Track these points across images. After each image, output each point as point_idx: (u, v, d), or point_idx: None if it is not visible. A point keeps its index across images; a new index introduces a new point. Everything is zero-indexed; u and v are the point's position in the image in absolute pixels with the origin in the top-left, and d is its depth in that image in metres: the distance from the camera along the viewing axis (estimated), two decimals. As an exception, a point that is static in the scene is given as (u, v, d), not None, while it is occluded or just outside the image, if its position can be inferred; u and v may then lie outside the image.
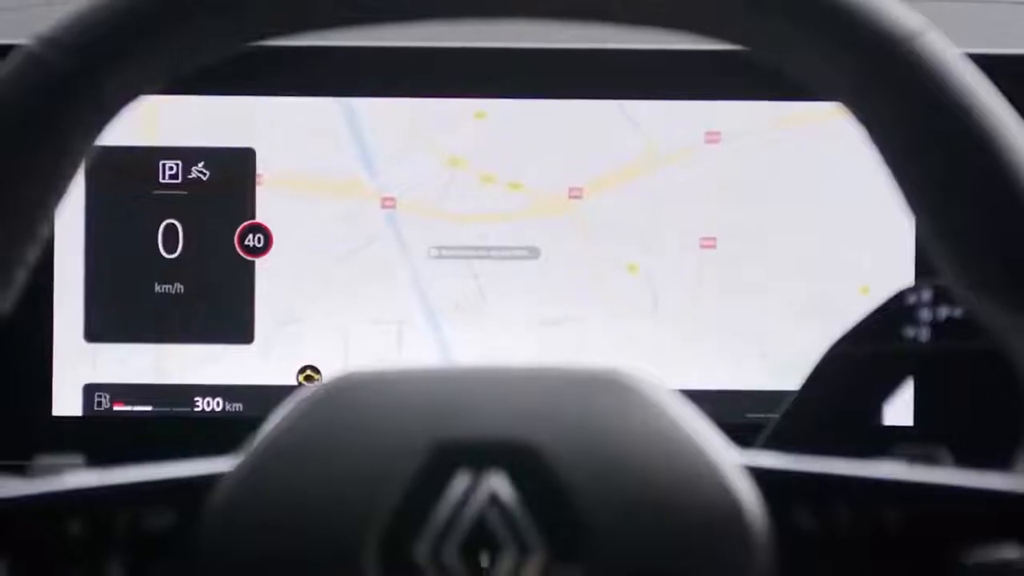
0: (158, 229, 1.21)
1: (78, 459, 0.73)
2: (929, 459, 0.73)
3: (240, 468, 0.66)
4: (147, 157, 1.21)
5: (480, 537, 0.64)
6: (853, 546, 0.67)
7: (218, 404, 1.22)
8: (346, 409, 0.66)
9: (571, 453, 0.65)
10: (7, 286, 0.70)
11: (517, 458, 0.65)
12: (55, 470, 0.72)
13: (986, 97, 0.69)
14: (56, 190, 0.70)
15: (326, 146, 1.21)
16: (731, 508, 0.65)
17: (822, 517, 0.67)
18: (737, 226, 1.22)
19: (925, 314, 1.06)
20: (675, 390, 0.67)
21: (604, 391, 0.67)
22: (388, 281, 1.22)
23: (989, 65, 0.72)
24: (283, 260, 1.22)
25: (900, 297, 1.00)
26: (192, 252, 1.21)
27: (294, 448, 0.65)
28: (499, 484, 0.64)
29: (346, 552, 0.63)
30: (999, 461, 0.69)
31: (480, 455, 0.65)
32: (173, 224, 1.21)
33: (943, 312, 1.00)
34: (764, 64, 0.71)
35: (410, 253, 1.21)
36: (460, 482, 0.64)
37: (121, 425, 1.22)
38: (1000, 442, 0.70)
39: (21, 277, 0.70)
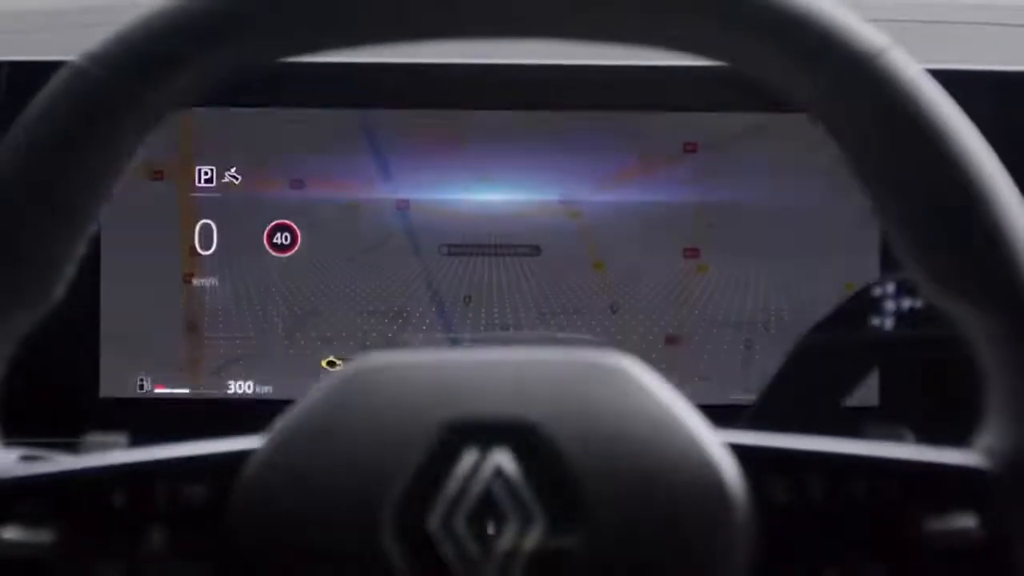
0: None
1: (122, 437, 0.73)
2: (893, 437, 0.73)
3: (267, 446, 0.66)
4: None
5: (487, 508, 0.64)
6: (824, 515, 0.67)
7: (249, 387, 1.22)
8: (363, 392, 0.66)
9: (569, 431, 0.65)
10: (58, 279, 0.70)
11: (520, 436, 0.65)
12: (102, 447, 0.72)
13: (945, 108, 0.69)
14: (100, 192, 0.70)
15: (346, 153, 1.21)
16: (714, 481, 0.65)
17: (796, 489, 0.67)
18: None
19: (890, 305, 1.06)
20: (661, 376, 0.67)
21: (599, 375, 0.66)
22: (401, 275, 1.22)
23: (947, 79, 0.72)
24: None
25: (867, 290, 1.00)
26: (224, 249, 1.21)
27: (316, 428, 0.65)
28: (504, 460, 0.64)
29: (364, 522, 0.63)
30: (957, 439, 0.69)
31: (486, 434, 0.65)
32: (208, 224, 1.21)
33: (906, 303, 1.00)
34: (743, 77, 0.71)
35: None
36: (468, 458, 0.64)
37: (162, 406, 1.22)
38: (958, 422, 0.70)
39: (70, 271, 0.70)
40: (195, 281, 1.21)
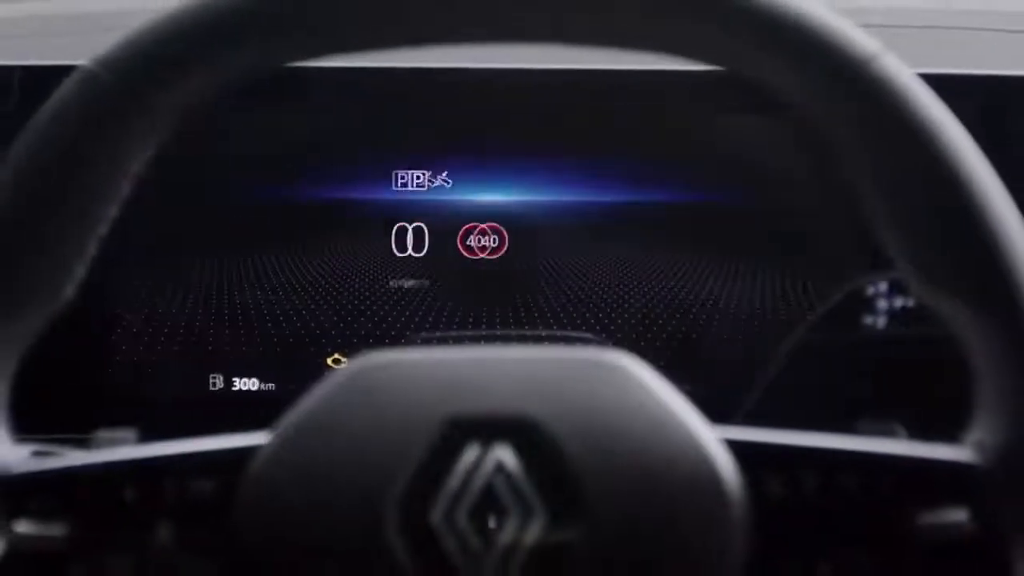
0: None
1: (131, 433, 0.73)
2: (886, 433, 0.73)
3: (273, 442, 0.66)
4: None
5: (488, 503, 0.64)
6: (818, 510, 0.67)
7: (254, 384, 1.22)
8: (367, 390, 0.66)
9: (569, 427, 0.65)
10: (68, 280, 0.70)
11: (521, 432, 0.65)
12: (111, 443, 0.72)
13: (935, 112, 0.69)
14: (110, 195, 0.70)
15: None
16: (711, 476, 0.65)
17: (791, 484, 0.67)
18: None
19: (882, 304, 1.06)
20: (659, 374, 0.67)
21: (599, 372, 0.66)
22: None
23: (938, 83, 0.72)
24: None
25: (859, 289, 1.00)
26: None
27: (321, 424, 0.65)
28: (505, 455, 0.64)
29: (368, 516, 0.63)
30: (949, 435, 0.69)
31: (488, 429, 0.65)
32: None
33: (898, 302, 1.00)
34: (742, 81, 0.71)
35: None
36: (470, 454, 0.64)
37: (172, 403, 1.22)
38: (949, 418, 0.70)
39: (82, 271, 0.70)
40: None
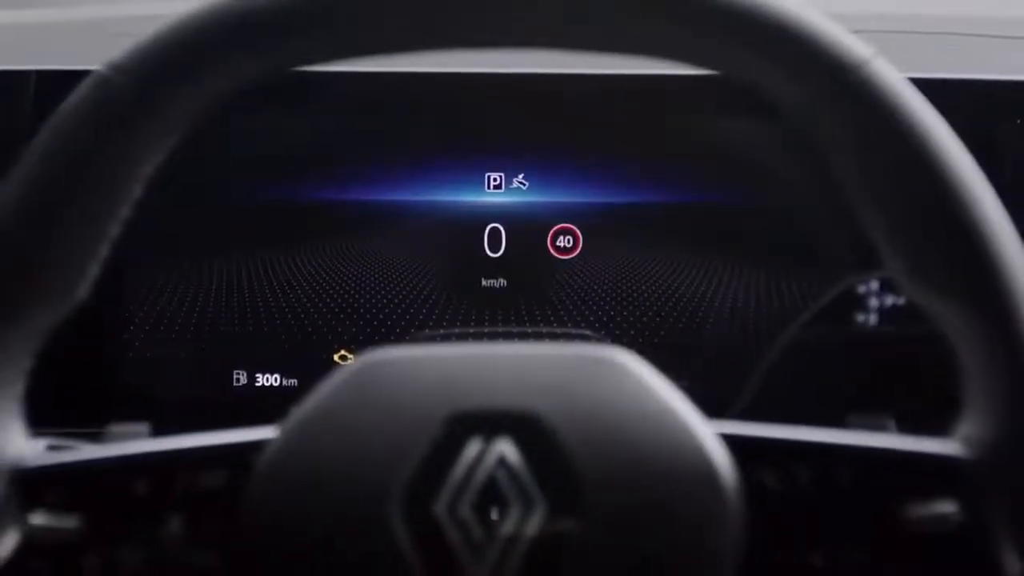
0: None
1: (144, 427, 0.74)
2: (876, 426, 0.73)
3: (282, 436, 0.66)
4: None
5: (490, 495, 0.64)
6: (811, 501, 0.67)
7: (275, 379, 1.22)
8: (372, 385, 0.66)
9: (569, 422, 0.65)
10: (81, 280, 0.70)
11: (522, 426, 0.65)
12: (124, 437, 0.72)
13: (926, 115, 0.69)
14: (124, 197, 0.70)
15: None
16: (707, 469, 0.65)
17: (785, 476, 0.67)
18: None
19: (873, 302, 1.06)
20: (657, 371, 0.67)
21: (598, 368, 0.67)
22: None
23: (928, 87, 0.72)
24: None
25: (850, 287, 1.00)
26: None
27: (328, 419, 0.65)
28: (507, 449, 0.64)
29: (374, 508, 0.63)
30: (937, 429, 0.69)
31: (490, 424, 0.65)
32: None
33: (888, 300, 1.00)
34: (737, 85, 0.71)
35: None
36: (473, 447, 0.64)
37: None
38: (938, 412, 0.70)
39: (95, 270, 0.70)
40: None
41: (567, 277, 1.20)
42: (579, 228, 1.20)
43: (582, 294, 1.21)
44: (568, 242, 1.21)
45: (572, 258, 1.21)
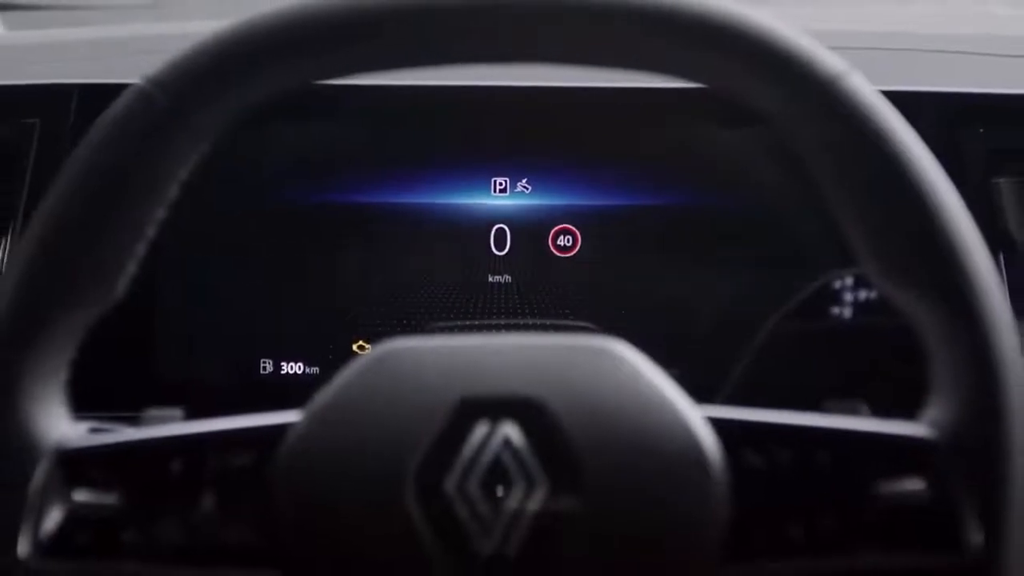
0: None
1: (178, 411, 0.74)
2: (851, 411, 0.73)
3: (305, 420, 0.66)
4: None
5: (496, 473, 0.64)
6: (790, 479, 0.67)
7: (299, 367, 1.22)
8: (388, 373, 0.66)
9: (569, 407, 0.65)
10: (119, 279, 0.70)
11: (526, 411, 0.65)
12: (160, 420, 0.72)
13: (896, 125, 0.69)
14: (159, 201, 0.70)
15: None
16: (696, 450, 0.65)
17: (766, 456, 0.67)
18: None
19: (847, 296, 1.06)
20: (650, 360, 0.67)
21: (596, 357, 0.67)
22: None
23: (899, 100, 0.72)
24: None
25: (826, 282, 1.00)
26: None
27: (347, 404, 0.66)
28: (511, 432, 0.64)
29: (389, 485, 0.64)
30: (906, 412, 0.69)
31: (496, 409, 0.65)
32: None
33: (862, 294, 1.00)
34: (720, 96, 0.71)
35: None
36: (480, 430, 0.64)
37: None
38: (907, 397, 0.70)
39: (133, 268, 0.70)
40: None
41: (566, 273, 1.20)
42: (578, 229, 1.20)
43: (580, 289, 1.21)
44: (568, 241, 1.21)
45: (571, 256, 1.21)
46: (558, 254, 1.21)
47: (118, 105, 0.70)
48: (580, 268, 1.20)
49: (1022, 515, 0.66)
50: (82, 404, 0.72)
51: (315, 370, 1.21)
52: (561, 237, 1.21)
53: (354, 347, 1.21)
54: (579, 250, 1.21)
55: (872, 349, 1.07)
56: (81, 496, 0.67)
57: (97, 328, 0.71)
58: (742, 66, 0.69)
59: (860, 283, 1.00)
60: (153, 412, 0.73)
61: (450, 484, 0.64)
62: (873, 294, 1.02)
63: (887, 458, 0.67)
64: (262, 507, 0.66)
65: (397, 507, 0.63)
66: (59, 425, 0.69)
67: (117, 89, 0.71)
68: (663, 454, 0.64)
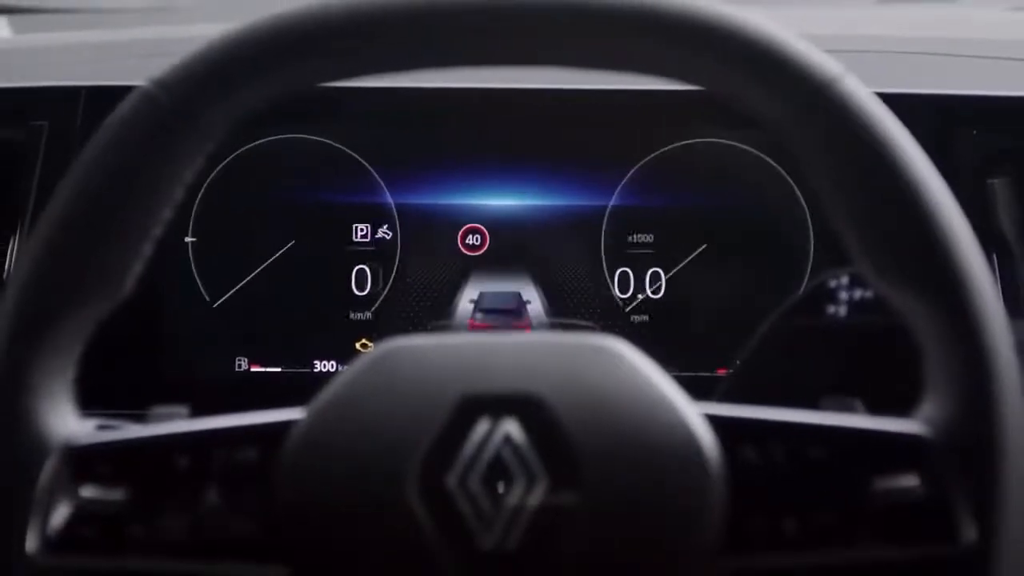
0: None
1: (183, 408, 0.74)
2: (846, 408, 0.73)
3: (309, 416, 0.66)
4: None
5: (497, 469, 0.64)
6: (786, 475, 0.67)
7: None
8: (391, 370, 0.66)
9: (569, 404, 0.65)
10: (130, 274, 0.70)
11: (526, 408, 0.65)
12: (166, 418, 0.72)
13: (891, 127, 0.69)
14: (165, 201, 0.70)
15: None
16: (693, 446, 0.65)
17: (762, 452, 0.67)
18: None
19: (843, 295, 1.06)
20: (649, 357, 0.67)
21: (596, 356, 0.67)
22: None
23: (894, 102, 0.72)
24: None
25: (823, 282, 1.00)
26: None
27: (350, 401, 0.66)
28: (512, 428, 0.65)
29: (392, 481, 0.64)
30: (901, 410, 0.69)
31: (497, 406, 0.65)
32: None
33: (857, 293, 1.00)
34: (719, 101, 0.71)
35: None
36: (481, 427, 0.65)
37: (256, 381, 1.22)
38: (901, 394, 0.70)
39: (140, 267, 0.70)
40: None
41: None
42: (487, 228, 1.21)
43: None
44: (477, 240, 1.21)
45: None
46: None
47: (124, 107, 0.70)
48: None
49: (1014, 509, 0.66)
50: (90, 402, 0.72)
51: (320, 367, 1.22)
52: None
53: (357, 345, 1.21)
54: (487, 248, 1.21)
55: (868, 347, 1.07)
56: (88, 492, 0.67)
57: (104, 327, 0.71)
58: (738, 69, 0.69)
59: (856, 282, 1.00)
60: (159, 410, 0.74)
61: (452, 480, 0.64)
62: (869, 293, 1.02)
63: (882, 454, 0.67)
64: (266, 503, 0.66)
65: (400, 503, 0.63)
66: (67, 422, 0.69)
67: (124, 91, 0.71)
68: (661, 450, 0.64)
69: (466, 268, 1.21)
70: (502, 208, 1.21)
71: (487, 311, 1.20)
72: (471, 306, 1.21)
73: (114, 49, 1.30)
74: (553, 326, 1.19)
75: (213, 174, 1.19)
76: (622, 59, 0.71)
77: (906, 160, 0.68)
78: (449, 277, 1.22)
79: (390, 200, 1.21)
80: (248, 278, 1.21)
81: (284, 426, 0.66)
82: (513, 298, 1.21)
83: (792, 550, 0.66)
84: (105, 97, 0.85)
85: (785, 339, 1.01)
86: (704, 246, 1.21)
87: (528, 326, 1.20)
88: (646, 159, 1.21)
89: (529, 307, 1.21)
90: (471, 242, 1.22)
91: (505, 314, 1.21)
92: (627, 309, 1.22)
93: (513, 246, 1.22)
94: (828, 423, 0.69)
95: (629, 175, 1.21)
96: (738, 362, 1.02)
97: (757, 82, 0.69)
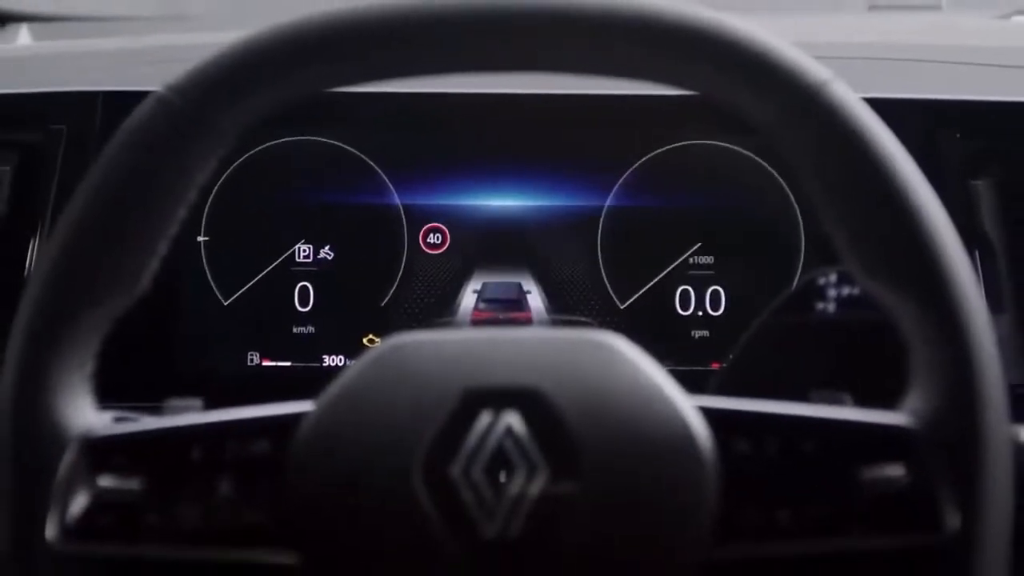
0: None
1: (197, 401, 0.74)
2: (835, 401, 0.73)
3: (318, 409, 0.66)
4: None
5: (499, 460, 0.64)
6: (778, 466, 0.67)
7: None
8: (397, 365, 0.66)
9: (569, 397, 0.65)
10: (146, 273, 0.70)
11: (527, 401, 0.65)
12: (181, 410, 0.72)
13: (878, 130, 0.69)
14: (180, 202, 0.70)
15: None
16: (688, 438, 0.65)
17: (755, 444, 0.67)
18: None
19: (832, 292, 1.06)
20: (645, 352, 0.67)
21: (594, 350, 0.67)
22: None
23: (881, 106, 0.72)
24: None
25: (812, 279, 1.00)
26: None
27: (358, 394, 0.66)
28: (513, 420, 0.65)
29: (398, 471, 0.64)
30: (888, 402, 0.69)
31: (499, 399, 0.65)
32: None
33: (845, 290, 1.00)
34: (713, 105, 0.71)
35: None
36: (484, 419, 0.65)
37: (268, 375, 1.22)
38: (888, 388, 0.70)
39: (155, 266, 0.70)
40: None
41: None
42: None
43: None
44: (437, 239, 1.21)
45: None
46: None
47: (140, 111, 0.70)
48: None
49: (996, 498, 0.66)
50: (107, 395, 0.72)
51: (328, 362, 1.21)
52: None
53: (364, 340, 1.21)
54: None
55: (855, 343, 1.07)
56: (105, 482, 0.67)
57: (121, 323, 0.71)
58: (731, 74, 0.69)
59: (844, 280, 1.00)
60: (174, 402, 0.74)
61: (456, 470, 0.64)
62: (856, 291, 1.02)
63: (869, 446, 0.67)
64: (278, 492, 0.66)
65: (405, 492, 0.63)
66: (85, 415, 0.69)
67: (140, 96, 0.71)
68: (657, 441, 0.64)
69: (470, 265, 1.21)
70: (503, 208, 1.21)
71: (490, 300, 1.20)
72: (475, 297, 1.21)
73: (130, 55, 1.30)
74: (552, 323, 1.19)
75: (225, 175, 1.19)
76: (618, 65, 0.71)
77: (892, 162, 0.68)
78: (453, 273, 1.22)
79: (397, 201, 1.21)
80: (259, 276, 1.21)
81: (294, 418, 0.66)
82: (515, 288, 1.21)
83: (783, 538, 0.66)
84: (122, 102, 0.86)
85: (776, 335, 1.01)
86: (698, 245, 1.21)
87: (529, 315, 1.20)
88: (642, 160, 1.21)
89: (529, 297, 1.21)
90: (473, 240, 1.22)
91: (507, 303, 1.21)
92: (623, 306, 1.22)
93: (513, 245, 1.21)
94: (818, 415, 0.69)
95: (625, 176, 1.21)
96: (730, 357, 1.02)
97: (749, 87, 0.69)
